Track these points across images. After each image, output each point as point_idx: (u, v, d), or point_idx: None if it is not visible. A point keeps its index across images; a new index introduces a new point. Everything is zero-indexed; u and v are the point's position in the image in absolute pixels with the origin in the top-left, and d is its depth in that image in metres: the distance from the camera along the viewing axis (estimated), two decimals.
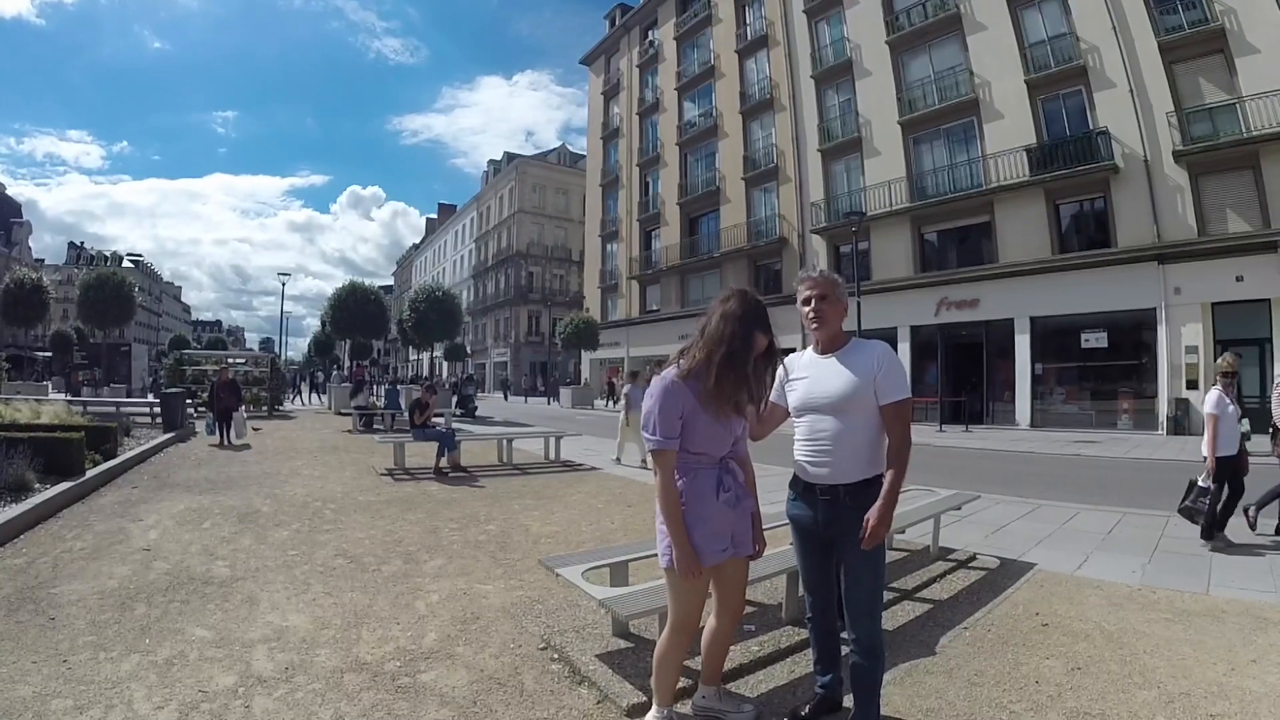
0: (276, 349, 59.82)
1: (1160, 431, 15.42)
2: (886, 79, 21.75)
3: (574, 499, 7.01)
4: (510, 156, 52.04)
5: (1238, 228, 15.07)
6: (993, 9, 19.10)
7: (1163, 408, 15.68)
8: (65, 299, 46.61)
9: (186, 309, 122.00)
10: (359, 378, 23.74)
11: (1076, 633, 3.24)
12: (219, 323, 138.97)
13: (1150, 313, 16.07)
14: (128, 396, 20.74)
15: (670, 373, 2.09)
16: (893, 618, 3.41)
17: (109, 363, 26.31)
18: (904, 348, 20.04)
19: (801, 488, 2.27)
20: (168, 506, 6.09)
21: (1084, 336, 17.23)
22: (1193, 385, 15.25)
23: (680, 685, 2.41)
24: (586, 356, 33.47)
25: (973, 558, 4.65)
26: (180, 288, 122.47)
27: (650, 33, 34.46)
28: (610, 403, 28.85)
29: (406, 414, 10.94)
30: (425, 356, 44.13)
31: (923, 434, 14.64)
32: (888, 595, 3.62)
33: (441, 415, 13.55)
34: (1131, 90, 16.40)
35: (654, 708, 2.24)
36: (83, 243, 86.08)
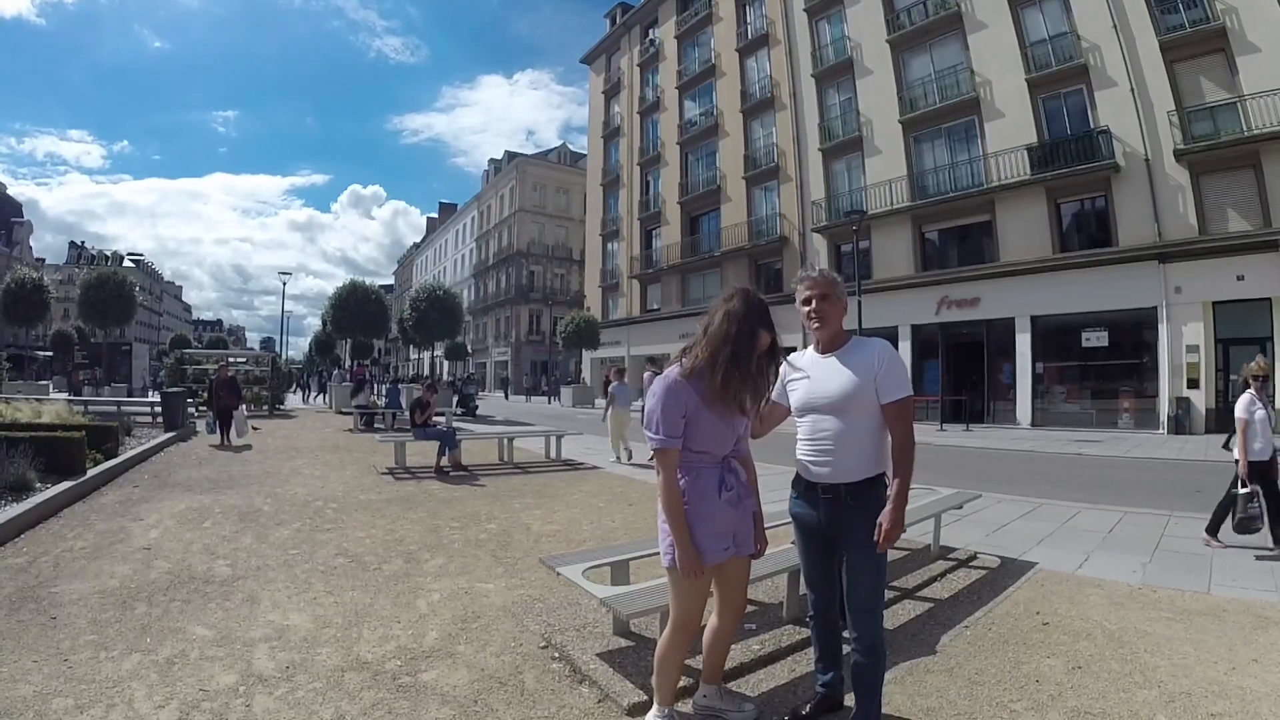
0: (277, 348, 59.97)
1: (1161, 431, 15.41)
2: (887, 78, 21.73)
3: (575, 498, 7.01)
4: (511, 155, 51.94)
5: (1239, 227, 15.06)
6: (993, 8, 19.08)
7: (1164, 407, 15.67)
8: (66, 298, 46.52)
9: (187, 308, 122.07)
10: (360, 377, 23.72)
11: (1077, 632, 3.24)
12: (220, 322, 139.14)
13: (1151, 312, 16.06)
14: (129, 396, 20.79)
15: (673, 371, 2.09)
16: (894, 616, 3.41)
17: (110, 362, 26.26)
18: (905, 346, 20.03)
19: (804, 487, 2.27)
20: (169, 506, 6.09)
21: (1085, 335, 17.23)
22: (1193, 384, 15.28)
23: (681, 684, 2.41)
24: (587, 356, 33.45)
25: (973, 556, 4.65)
26: (181, 287, 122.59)
27: (651, 31, 34.44)
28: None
29: (407, 413, 10.92)
30: (426, 356, 44.15)
31: (923, 433, 14.59)
32: (889, 594, 3.62)
33: (442, 414, 13.55)
34: (1132, 89, 16.39)
35: (655, 706, 2.24)
36: (83, 242, 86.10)
